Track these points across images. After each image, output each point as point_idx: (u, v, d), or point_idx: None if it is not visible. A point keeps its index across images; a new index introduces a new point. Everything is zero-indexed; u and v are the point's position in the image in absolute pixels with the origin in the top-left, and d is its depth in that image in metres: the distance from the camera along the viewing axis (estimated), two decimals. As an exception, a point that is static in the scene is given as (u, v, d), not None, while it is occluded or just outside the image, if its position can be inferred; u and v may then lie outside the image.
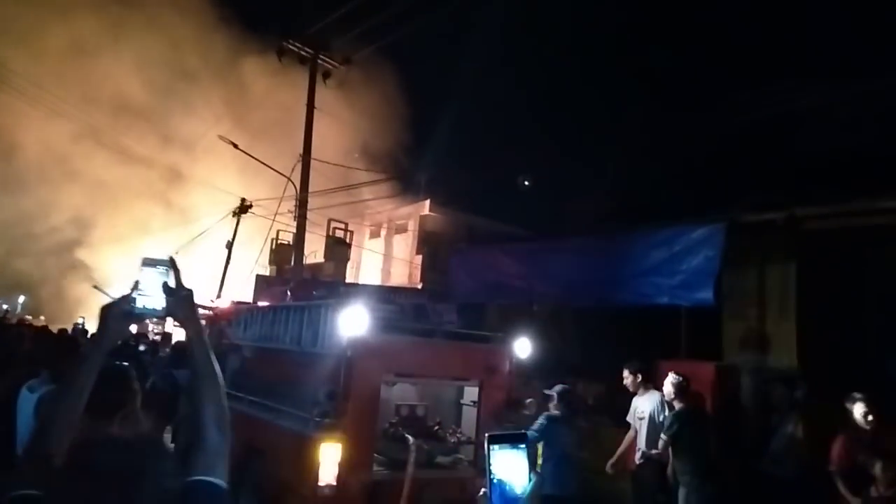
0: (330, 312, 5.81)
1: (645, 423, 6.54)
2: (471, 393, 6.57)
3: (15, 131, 22.84)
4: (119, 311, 1.68)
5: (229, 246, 15.22)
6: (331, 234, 17.74)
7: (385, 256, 23.06)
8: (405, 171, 22.11)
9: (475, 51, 22.02)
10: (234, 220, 16.08)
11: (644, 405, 6.63)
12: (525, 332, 6.66)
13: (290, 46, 16.24)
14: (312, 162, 16.06)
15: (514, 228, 15.90)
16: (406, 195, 22.98)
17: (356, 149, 22.52)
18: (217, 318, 8.26)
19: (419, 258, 21.56)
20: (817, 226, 7.53)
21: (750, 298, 8.76)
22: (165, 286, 1.67)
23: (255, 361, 7.31)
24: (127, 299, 1.69)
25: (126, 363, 2.82)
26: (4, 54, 20.58)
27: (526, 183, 15.84)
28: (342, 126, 22.20)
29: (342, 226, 18.49)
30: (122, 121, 24.45)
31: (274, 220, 15.81)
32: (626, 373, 6.74)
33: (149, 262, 1.74)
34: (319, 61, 16.41)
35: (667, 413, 6.29)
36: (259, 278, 15.59)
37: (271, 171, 15.81)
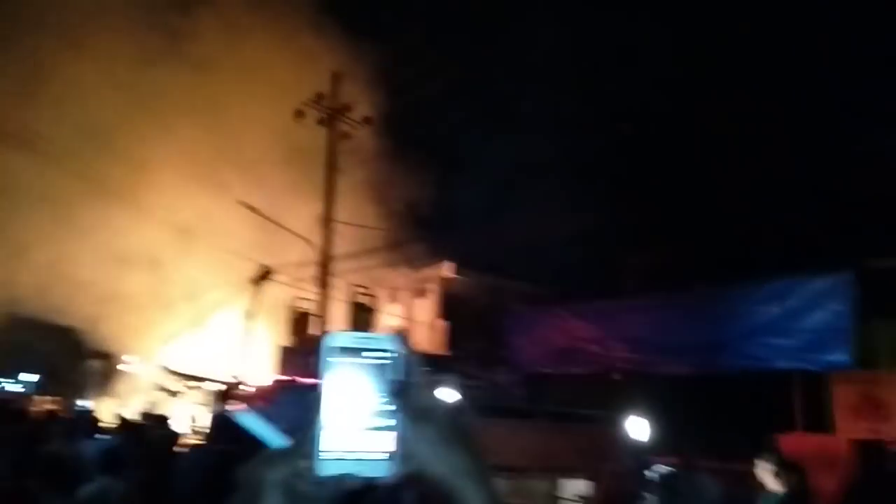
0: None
1: None
2: (573, 485, 5.35)
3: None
4: (287, 481, 0.65)
5: (249, 316, 14.08)
6: (354, 299, 16.81)
7: (406, 322, 21.83)
8: (427, 233, 21.21)
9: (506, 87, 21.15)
10: (246, 291, 15.02)
11: None
12: (621, 407, 5.55)
13: (310, 107, 16.07)
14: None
15: (551, 289, 14.75)
16: (426, 257, 22.02)
17: (377, 211, 21.63)
18: (256, 399, 7.08)
19: (440, 322, 20.37)
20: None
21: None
22: (398, 394, 0.67)
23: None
24: (305, 444, 0.65)
25: None
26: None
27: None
28: (361, 188, 21.46)
29: (365, 291, 17.54)
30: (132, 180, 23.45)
31: (295, 287, 14.80)
32: (761, 466, 5.40)
33: (340, 350, 0.67)
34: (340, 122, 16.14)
35: None
36: (284, 350, 14.41)
37: (285, 238, 15.01)
